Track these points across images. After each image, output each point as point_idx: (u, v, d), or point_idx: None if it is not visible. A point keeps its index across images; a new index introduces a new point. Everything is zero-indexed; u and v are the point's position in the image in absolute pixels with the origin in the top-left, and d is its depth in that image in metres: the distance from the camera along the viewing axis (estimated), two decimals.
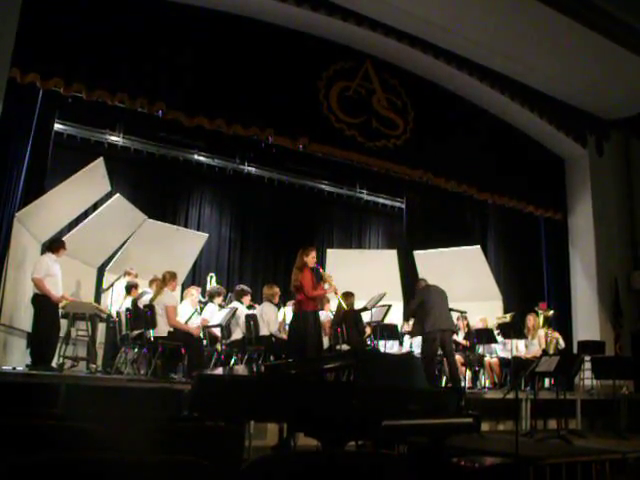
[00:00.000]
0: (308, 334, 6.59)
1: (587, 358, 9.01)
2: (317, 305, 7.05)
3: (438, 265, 10.15)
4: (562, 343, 9.72)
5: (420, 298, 7.76)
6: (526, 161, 11.01)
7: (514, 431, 5.02)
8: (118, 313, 8.17)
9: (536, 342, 9.16)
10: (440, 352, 7.68)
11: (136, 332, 7.58)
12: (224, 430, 2.65)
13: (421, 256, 11.17)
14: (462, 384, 8.18)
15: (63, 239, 7.75)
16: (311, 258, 6.78)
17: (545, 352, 8.75)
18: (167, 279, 7.45)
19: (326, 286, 6.99)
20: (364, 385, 3.38)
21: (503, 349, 9.19)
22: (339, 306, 8.17)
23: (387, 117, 9.66)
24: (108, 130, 10.18)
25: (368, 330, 8.60)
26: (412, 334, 8.72)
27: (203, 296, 8.89)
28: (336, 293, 7.18)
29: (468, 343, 8.95)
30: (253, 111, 8.49)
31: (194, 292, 8.36)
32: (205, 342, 8.06)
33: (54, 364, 7.00)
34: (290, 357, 6.62)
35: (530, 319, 9.32)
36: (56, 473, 1.66)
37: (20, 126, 7.42)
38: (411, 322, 9.53)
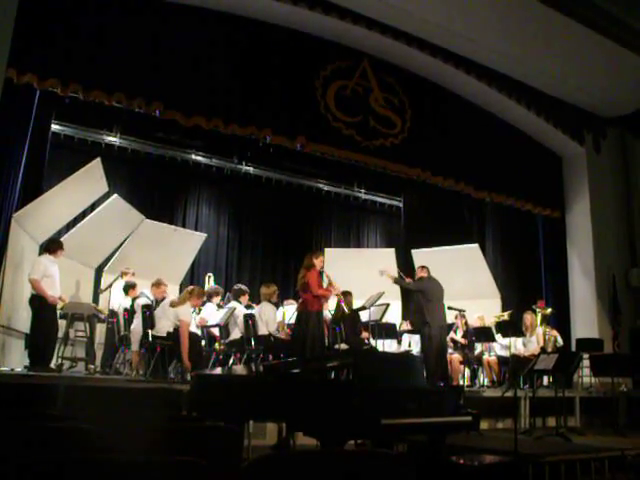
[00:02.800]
0: (309, 335, 6.62)
1: (585, 355, 9.01)
2: (321, 306, 7.10)
3: (436, 263, 10.09)
4: (560, 341, 9.74)
5: (422, 286, 7.73)
6: (524, 159, 11.00)
7: (513, 429, 5.02)
8: (116, 313, 8.16)
9: (534, 340, 9.16)
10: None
11: None
12: (223, 430, 2.64)
13: (419, 254, 11.16)
14: (456, 382, 8.23)
15: (61, 240, 7.73)
16: (320, 261, 7.01)
17: (543, 350, 8.75)
18: (195, 293, 7.34)
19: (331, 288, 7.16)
20: (363, 384, 3.38)
21: (501, 347, 9.20)
22: (338, 306, 8.19)
23: (384, 116, 9.66)
24: (105, 130, 10.15)
25: (365, 334, 8.55)
26: (413, 330, 8.67)
27: None
28: (338, 295, 7.30)
29: (466, 341, 8.96)
30: (250, 110, 8.49)
31: None
32: (204, 342, 8.06)
33: (52, 365, 7.00)
34: (290, 357, 6.64)
35: (528, 317, 9.31)
36: (55, 474, 1.66)
37: (17, 127, 7.40)
38: (405, 323, 9.56)
